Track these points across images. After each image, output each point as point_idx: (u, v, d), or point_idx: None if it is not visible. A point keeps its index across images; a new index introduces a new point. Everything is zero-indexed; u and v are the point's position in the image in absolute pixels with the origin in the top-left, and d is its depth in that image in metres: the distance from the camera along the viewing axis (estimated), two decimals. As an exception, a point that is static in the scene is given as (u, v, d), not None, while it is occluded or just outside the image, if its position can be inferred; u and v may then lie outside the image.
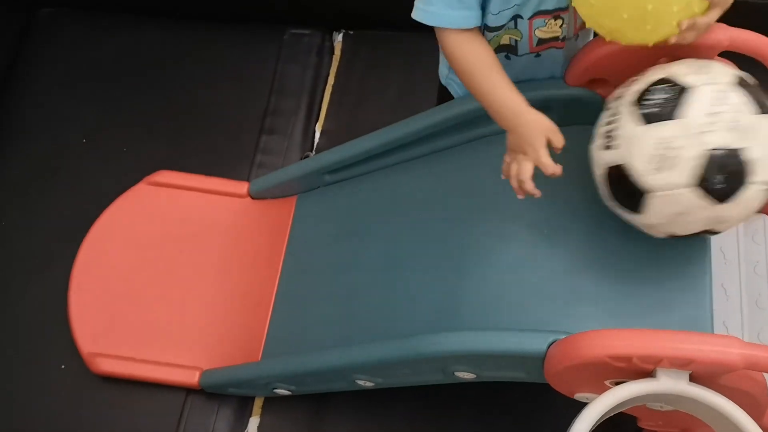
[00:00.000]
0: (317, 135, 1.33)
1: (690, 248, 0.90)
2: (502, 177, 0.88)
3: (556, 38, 0.91)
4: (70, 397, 1.12)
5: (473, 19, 0.86)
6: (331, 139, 1.32)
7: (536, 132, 0.84)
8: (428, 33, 1.36)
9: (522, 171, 0.85)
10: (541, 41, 0.91)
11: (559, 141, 0.85)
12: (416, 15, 0.88)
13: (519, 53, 0.92)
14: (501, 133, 1.01)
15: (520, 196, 0.86)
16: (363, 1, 1.38)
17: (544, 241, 0.93)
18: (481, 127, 1.02)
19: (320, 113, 1.35)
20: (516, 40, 0.91)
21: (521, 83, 1.02)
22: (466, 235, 0.99)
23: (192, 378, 1.10)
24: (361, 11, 1.41)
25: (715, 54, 0.87)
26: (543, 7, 0.87)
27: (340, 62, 1.39)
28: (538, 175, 0.85)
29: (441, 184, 1.05)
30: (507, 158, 0.88)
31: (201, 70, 1.37)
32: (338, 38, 1.42)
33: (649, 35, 0.80)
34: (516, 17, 0.88)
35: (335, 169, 1.14)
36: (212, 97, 1.34)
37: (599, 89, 0.95)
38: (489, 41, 0.90)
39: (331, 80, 1.38)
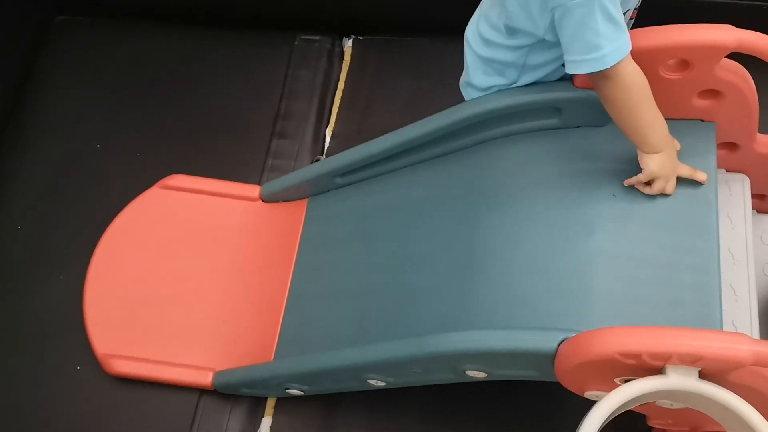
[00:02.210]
0: (327, 139, 1.34)
1: (700, 249, 0.90)
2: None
3: None
4: (85, 398, 1.13)
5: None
6: (341, 142, 1.33)
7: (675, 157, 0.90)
8: (435, 38, 1.39)
9: (669, 188, 0.92)
10: None
11: (689, 173, 0.93)
12: (589, 67, 0.83)
13: None
14: (511, 135, 1.03)
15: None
16: (372, 7, 1.39)
17: (555, 241, 0.94)
18: (492, 129, 1.03)
19: (330, 117, 1.36)
20: None
21: (531, 85, 1.04)
22: (477, 235, 1.00)
23: (205, 379, 1.11)
24: (370, 17, 1.42)
25: (723, 56, 0.88)
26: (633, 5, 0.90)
27: (349, 67, 1.41)
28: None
29: (452, 185, 1.06)
30: (644, 177, 0.91)
31: (213, 75, 1.38)
32: (348, 44, 1.43)
33: None
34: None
35: (346, 172, 1.15)
36: (224, 102, 1.35)
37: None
38: None
39: (341, 85, 1.39)
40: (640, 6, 0.94)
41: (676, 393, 0.77)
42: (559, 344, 0.82)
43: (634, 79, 0.85)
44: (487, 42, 0.95)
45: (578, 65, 0.84)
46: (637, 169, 0.92)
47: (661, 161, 0.89)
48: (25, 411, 1.13)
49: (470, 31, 0.98)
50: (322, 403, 1.12)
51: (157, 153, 1.30)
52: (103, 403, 1.12)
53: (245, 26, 1.43)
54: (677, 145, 0.92)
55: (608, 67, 0.82)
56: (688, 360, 0.75)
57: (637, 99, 0.86)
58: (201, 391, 1.13)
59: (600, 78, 0.85)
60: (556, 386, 0.88)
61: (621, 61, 0.83)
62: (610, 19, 0.81)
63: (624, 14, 0.87)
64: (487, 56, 0.96)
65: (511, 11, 0.89)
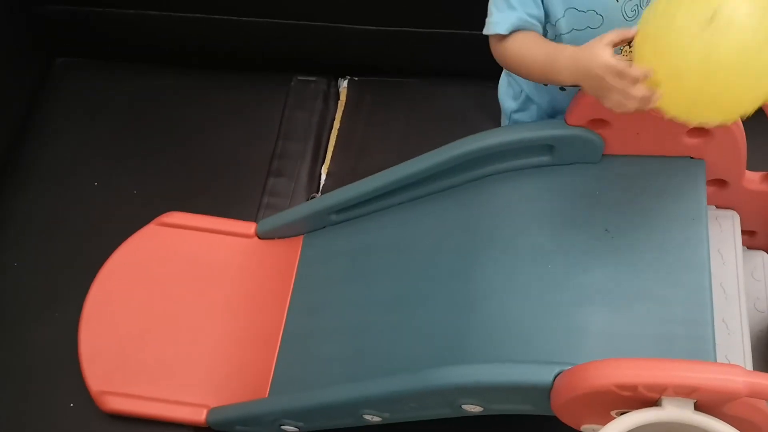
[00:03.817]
0: (323, 177, 1.36)
1: (692, 284, 0.91)
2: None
3: None
4: (79, 435, 1.12)
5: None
6: (336, 181, 1.34)
7: (591, 52, 0.79)
8: (428, 79, 1.42)
9: (619, 93, 0.77)
10: None
11: (620, 35, 0.78)
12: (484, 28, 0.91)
13: None
14: (505, 172, 1.05)
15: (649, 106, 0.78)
16: (367, 50, 1.42)
17: (548, 275, 0.95)
18: (486, 167, 1.05)
19: (326, 156, 1.38)
20: None
21: (521, 124, 1.06)
22: (472, 272, 1.00)
23: (199, 416, 1.11)
24: (365, 59, 1.45)
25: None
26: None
27: (345, 107, 1.43)
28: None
29: (447, 222, 1.07)
30: (606, 103, 0.81)
31: (210, 115, 1.40)
32: (343, 84, 1.46)
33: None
34: None
35: (341, 209, 1.16)
36: (221, 142, 1.37)
37: (599, 129, 0.97)
38: None
39: (336, 125, 1.41)
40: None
41: (672, 425, 0.77)
42: (555, 377, 0.83)
43: (512, 50, 0.89)
44: None
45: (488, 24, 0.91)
46: (630, 205, 0.94)
47: (585, 82, 0.82)
48: (17, 448, 1.12)
49: None
50: (317, 441, 1.12)
51: (155, 191, 1.31)
52: (96, 440, 1.12)
53: (242, 68, 1.45)
54: (620, 34, 0.80)
55: (490, 33, 0.90)
56: (683, 392, 0.76)
57: (518, 61, 0.90)
58: (195, 428, 1.12)
59: (491, 41, 0.91)
60: (553, 420, 0.88)
61: (503, 33, 0.89)
62: None
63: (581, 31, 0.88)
64: None
65: None
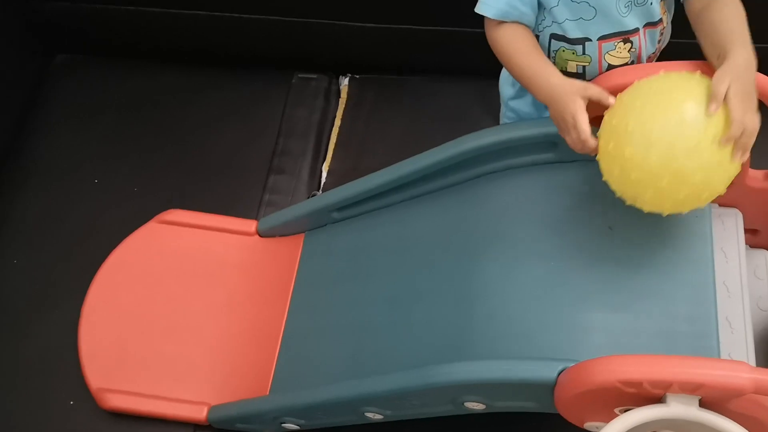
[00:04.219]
0: (324, 175, 1.36)
1: (696, 281, 0.91)
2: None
3: (624, 64, 0.93)
4: (79, 433, 1.12)
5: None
6: (337, 179, 1.34)
7: (569, 95, 0.85)
8: (429, 77, 1.41)
9: (571, 138, 0.86)
10: (610, 67, 0.93)
11: (596, 93, 0.85)
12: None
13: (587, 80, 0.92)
14: (507, 169, 1.05)
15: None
16: (368, 48, 1.42)
17: (552, 273, 0.95)
18: (488, 164, 1.05)
19: (327, 154, 1.38)
20: (584, 67, 0.93)
21: (525, 121, 1.06)
22: (475, 268, 1.00)
23: (200, 413, 1.10)
24: (367, 57, 1.44)
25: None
26: (614, 29, 0.90)
27: (346, 105, 1.43)
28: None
29: (448, 219, 1.07)
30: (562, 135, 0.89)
31: (211, 112, 1.40)
32: (344, 82, 1.45)
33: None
34: (584, 40, 0.90)
35: (342, 207, 1.16)
36: (222, 139, 1.37)
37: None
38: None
39: (337, 122, 1.41)
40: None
41: (677, 422, 0.77)
42: (559, 374, 0.83)
43: (501, 44, 0.92)
44: None
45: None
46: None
47: (552, 112, 0.89)
48: (16, 446, 1.11)
49: None
50: (319, 438, 1.12)
51: (155, 189, 1.31)
52: (96, 437, 1.11)
53: (244, 65, 1.45)
54: (596, 92, 0.86)
55: (482, 14, 0.91)
56: (689, 388, 0.75)
57: (505, 59, 0.93)
58: (195, 426, 1.12)
59: (485, 20, 0.93)
60: (556, 417, 0.88)
61: (491, 20, 0.91)
62: None
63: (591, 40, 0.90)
64: None
65: None
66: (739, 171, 0.82)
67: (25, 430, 1.12)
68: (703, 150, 0.78)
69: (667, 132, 0.79)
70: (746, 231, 1.05)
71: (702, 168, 0.79)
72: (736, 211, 1.04)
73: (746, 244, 1.06)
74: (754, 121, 0.79)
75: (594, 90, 0.86)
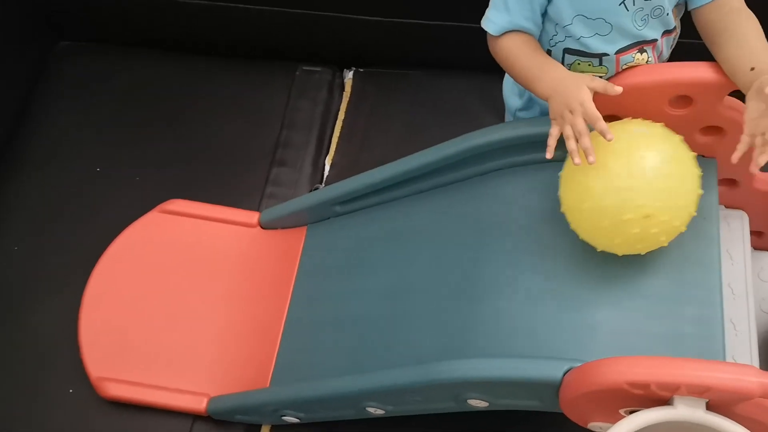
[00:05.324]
0: (327, 168, 1.35)
1: (702, 282, 0.91)
2: (548, 156, 0.88)
3: None
4: (78, 421, 1.11)
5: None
6: (340, 172, 1.33)
7: (575, 84, 0.85)
8: (433, 71, 1.41)
9: (576, 125, 0.84)
10: None
11: (601, 84, 0.85)
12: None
13: None
14: (512, 166, 1.04)
15: (590, 159, 0.85)
16: (372, 41, 1.41)
17: (558, 272, 0.95)
18: (492, 161, 1.04)
19: (330, 147, 1.37)
20: (600, 77, 0.92)
21: (531, 119, 1.05)
22: (477, 266, 1.00)
23: (199, 404, 1.10)
24: (371, 51, 1.44)
25: (726, 93, 0.90)
26: (631, 41, 0.90)
27: (350, 98, 1.42)
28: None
29: (452, 215, 1.06)
30: (553, 130, 0.88)
31: (214, 104, 1.39)
32: (348, 75, 1.45)
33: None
34: (602, 55, 0.90)
35: (345, 200, 1.16)
36: (225, 130, 1.36)
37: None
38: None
39: (341, 115, 1.40)
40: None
41: (684, 424, 0.77)
42: (565, 373, 0.83)
43: (503, 55, 0.93)
44: None
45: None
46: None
47: (554, 104, 0.88)
48: (15, 433, 1.11)
49: None
50: (318, 431, 1.11)
51: (157, 178, 1.30)
52: (95, 426, 1.11)
53: (247, 57, 1.44)
54: (602, 84, 0.87)
55: (486, 30, 0.92)
56: (696, 391, 0.75)
57: (507, 66, 0.94)
58: (194, 416, 1.11)
59: (487, 34, 0.94)
60: (559, 416, 0.87)
61: (493, 34, 0.92)
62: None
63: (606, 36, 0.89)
64: None
65: None
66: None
67: (24, 417, 1.11)
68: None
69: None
70: (751, 233, 1.05)
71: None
72: (742, 213, 1.04)
73: (751, 246, 1.06)
74: None
75: (599, 81, 0.87)
